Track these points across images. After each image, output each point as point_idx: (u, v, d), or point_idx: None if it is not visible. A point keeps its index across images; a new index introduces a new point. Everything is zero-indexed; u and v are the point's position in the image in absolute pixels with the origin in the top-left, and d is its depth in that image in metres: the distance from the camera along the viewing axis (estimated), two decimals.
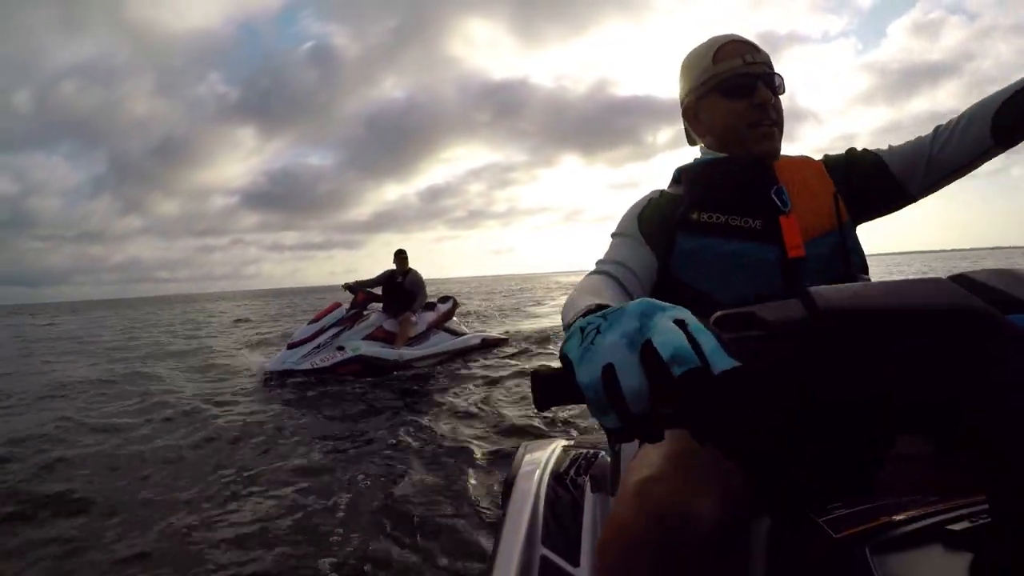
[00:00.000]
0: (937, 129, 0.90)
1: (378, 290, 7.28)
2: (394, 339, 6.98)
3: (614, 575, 0.69)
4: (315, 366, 6.30)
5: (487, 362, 7.25)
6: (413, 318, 7.23)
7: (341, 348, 6.49)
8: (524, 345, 8.27)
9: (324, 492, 3.05)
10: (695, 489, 0.68)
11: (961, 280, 0.40)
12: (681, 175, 1.00)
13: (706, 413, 0.40)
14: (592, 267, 0.94)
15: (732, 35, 0.98)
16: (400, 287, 7.23)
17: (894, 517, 0.52)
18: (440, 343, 7.45)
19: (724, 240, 0.89)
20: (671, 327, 0.40)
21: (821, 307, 0.39)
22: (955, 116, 0.89)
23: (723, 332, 0.41)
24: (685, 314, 0.42)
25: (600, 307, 0.51)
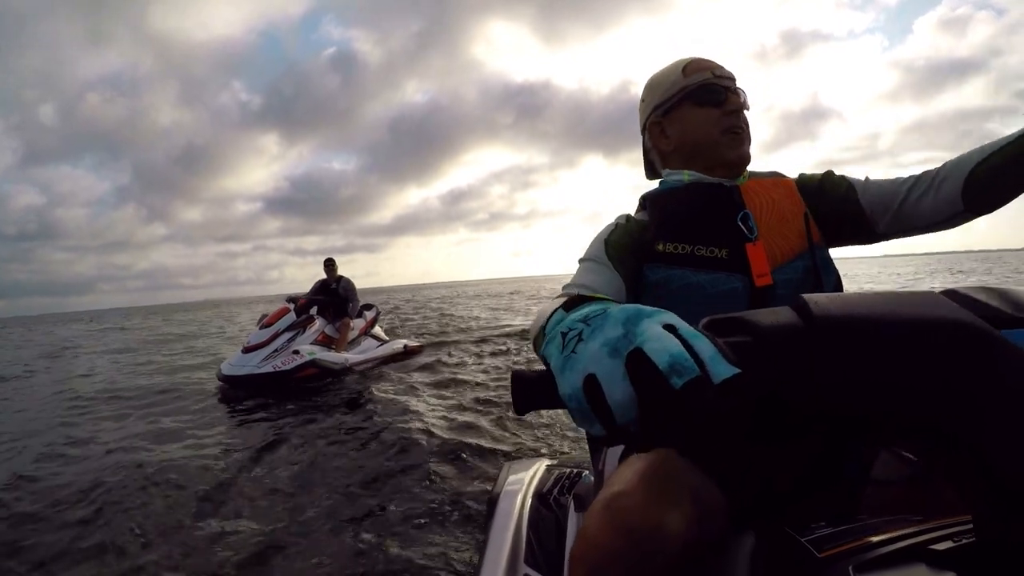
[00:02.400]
0: (921, 176, 0.88)
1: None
2: (333, 343, 7.34)
3: None
4: (277, 369, 6.44)
5: (412, 367, 7.55)
6: (352, 324, 7.69)
7: (297, 352, 6.67)
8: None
9: (298, 497, 3.01)
10: (665, 504, 0.67)
11: (953, 295, 0.40)
12: (646, 203, 0.99)
13: (706, 425, 0.37)
14: None
15: (698, 56, 0.99)
16: (335, 293, 7.69)
17: (877, 536, 0.52)
18: (370, 349, 7.88)
19: (691, 271, 0.88)
20: (663, 333, 0.37)
21: (816, 314, 0.38)
22: (939, 165, 0.88)
23: (715, 337, 0.39)
24: (674, 318, 0.40)
25: (582, 299, 0.48)
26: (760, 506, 0.72)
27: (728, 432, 0.38)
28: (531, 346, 0.78)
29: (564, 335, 0.41)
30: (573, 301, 0.47)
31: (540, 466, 1.49)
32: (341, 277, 7.85)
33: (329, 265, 7.89)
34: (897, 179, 0.92)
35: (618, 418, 0.37)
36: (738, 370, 0.35)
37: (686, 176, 0.98)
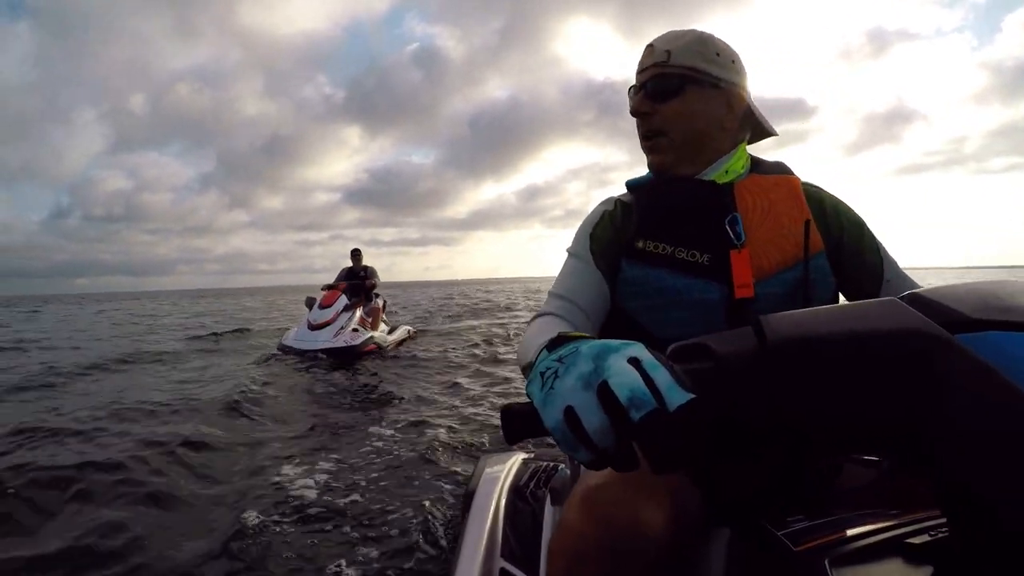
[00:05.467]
0: None
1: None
2: (368, 324, 8.18)
3: None
4: (348, 343, 7.30)
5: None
6: (381, 308, 8.73)
7: (356, 330, 7.66)
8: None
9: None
10: (643, 496, 0.67)
11: (914, 300, 0.40)
12: (632, 191, 0.93)
13: (666, 451, 0.40)
14: None
15: (651, 41, 0.90)
16: (363, 279, 8.56)
17: (854, 530, 0.52)
18: (385, 331, 8.80)
19: (668, 273, 0.82)
20: (625, 367, 0.41)
21: (769, 338, 0.40)
22: None
23: (677, 364, 0.42)
24: (639, 350, 0.43)
25: (560, 339, 0.51)
26: (736, 502, 0.73)
27: (688, 457, 0.41)
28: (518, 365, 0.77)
29: (543, 374, 0.45)
30: (555, 342, 0.50)
31: (516, 460, 1.49)
32: (366, 266, 8.80)
33: (355, 255, 8.80)
34: (913, 286, 0.81)
35: (598, 443, 0.40)
36: (692, 396, 0.39)
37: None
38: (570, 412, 0.41)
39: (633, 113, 0.88)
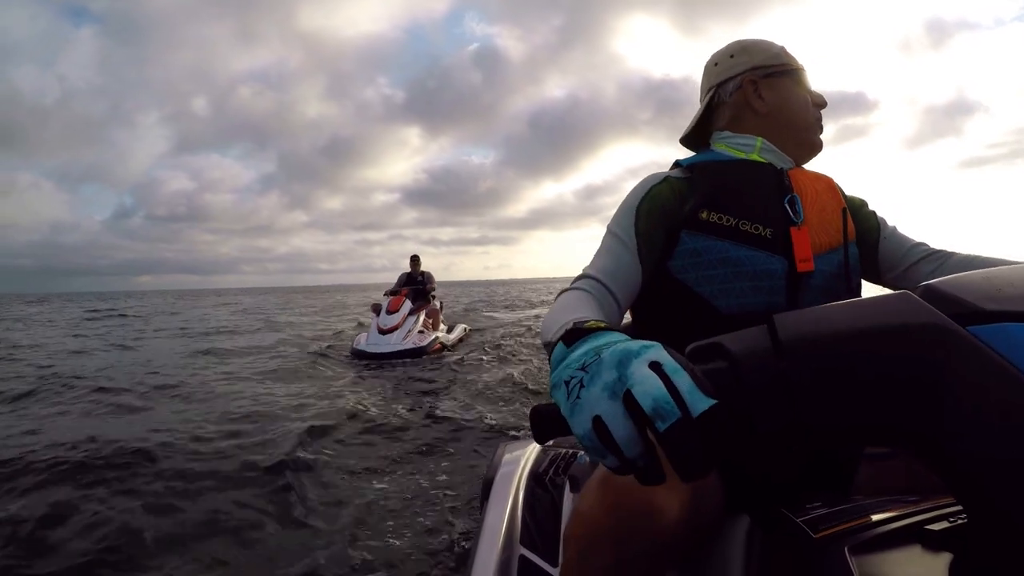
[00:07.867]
0: (935, 252, 0.91)
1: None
2: (430, 326, 8.74)
3: (578, 567, 0.69)
4: (416, 345, 7.87)
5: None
6: (439, 309, 9.26)
7: (422, 332, 8.27)
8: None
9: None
10: (660, 485, 0.67)
11: (926, 292, 0.40)
12: (693, 169, 0.94)
13: (693, 460, 0.40)
14: None
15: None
16: (421, 284, 9.14)
17: (873, 517, 0.52)
18: (445, 330, 9.34)
19: (732, 244, 0.86)
20: (648, 374, 0.41)
21: (782, 337, 0.40)
22: (951, 250, 0.89)
23: (696, 364, 0.42)
24: (659, 354, 0.43)
25: (576, 333, 0.51)
26: (756, 489, 0.72)
27: (714, 463, 0.41)
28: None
29: (567, 383, 0.46)
30: (572, 335, 0.50)
31: (536, 447, 1.50)
32: (424, 272, 9.29)
33: (414, 261, 9.35)
34: (910, 241, 0.95)
35: (626, 452, 0.41)
36: (714, 401, 0.39)
37: (757, 143, 0.94)
38: (598, 422, 0.42)
39: (823, 104, 0.98)
